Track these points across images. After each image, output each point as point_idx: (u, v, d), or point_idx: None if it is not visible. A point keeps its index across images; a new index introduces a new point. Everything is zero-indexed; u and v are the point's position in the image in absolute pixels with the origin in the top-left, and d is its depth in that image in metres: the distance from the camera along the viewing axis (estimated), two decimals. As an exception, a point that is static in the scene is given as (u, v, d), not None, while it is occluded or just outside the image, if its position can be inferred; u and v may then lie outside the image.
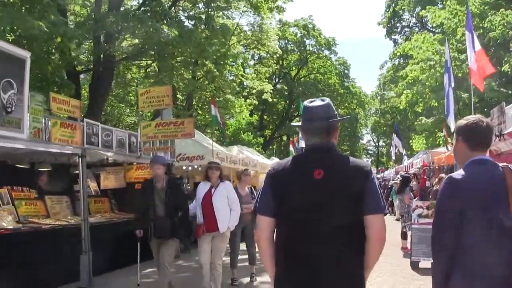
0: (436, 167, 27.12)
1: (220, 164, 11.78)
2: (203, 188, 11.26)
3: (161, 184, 11.02)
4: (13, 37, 18.31)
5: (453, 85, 17.93)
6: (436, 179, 22.14)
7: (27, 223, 13.68)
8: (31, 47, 17.49)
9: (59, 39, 18.00)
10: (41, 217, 14.63)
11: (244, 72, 52.30)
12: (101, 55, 26.53)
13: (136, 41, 27.99)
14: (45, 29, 17.23)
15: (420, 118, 39.04)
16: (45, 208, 15.25)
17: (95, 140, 14.75)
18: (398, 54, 56.43)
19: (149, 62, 33.65)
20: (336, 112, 4.61)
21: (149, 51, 27.83)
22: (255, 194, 13.93)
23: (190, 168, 24.04)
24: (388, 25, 65.06)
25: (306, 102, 4.61)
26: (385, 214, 4.31)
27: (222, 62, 31.54)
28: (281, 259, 4.37)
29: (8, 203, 13.92)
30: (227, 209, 11.17)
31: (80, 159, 13.78)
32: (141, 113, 22.31)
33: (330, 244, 4.13)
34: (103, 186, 18.62)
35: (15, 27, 17.64)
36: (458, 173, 4.37)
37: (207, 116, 41.93)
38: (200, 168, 24.08)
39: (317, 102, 4.54)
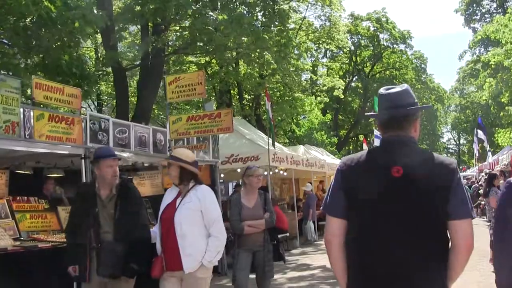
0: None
1: (191, 157, 7.35)
2: (168, 197, 7.40)
3: (107, 191, 7.56)
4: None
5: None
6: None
7: (28, 240, 11.07)
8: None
9: (76, 24, 15.38)
10: (52, 232, 12.01)
11: (315, 69, 50.30)
12: (149, 49, 24.18)
13: (184, 32, 25.59)
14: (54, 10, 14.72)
15: (507, 108, 35.52)
16: (57, 221, 12.49)
17: (103, 137, 11.89)
18: (479, 39, 53.29)
19: (207, 59, 31.31)
20: (416, 100, 4.16)
21: (198, 43, 25.23)
22: (268, 204, 9.94)
23: (238, 170, 21.50)
24: (467, 13, 61.78)
25: (382, 89, 4.20)
26: (473, 219, 3.91)
27: (283, 55, 28.69)
28: (354, 268, 4.01)
29: (7, 216, 11.23)
30: (201, 233, 7.03)
31: (83, 161, 11.02)
32: (170, 106, 19.65)
33: (411, 252, 3.76)
34: (136, 193, 15.71)
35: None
36: None
37: (278, 118, 39.67)
38: (261, 170, 21.70)
39: (394, 89, 4.12)
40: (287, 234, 22.22)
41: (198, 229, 7.00)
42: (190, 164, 7.16)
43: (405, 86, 4.16)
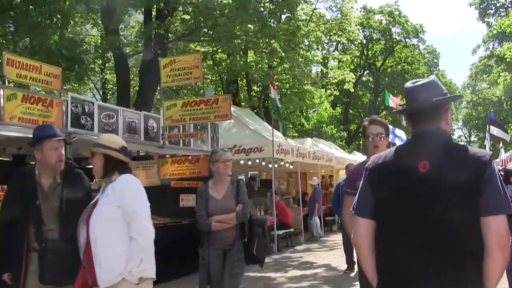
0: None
1: (119, 143, 5.74)
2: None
3: (50, 179, 6.20)
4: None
5: None
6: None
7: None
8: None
9: (67, 1, 14.40)
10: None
11: (326, 62, 49.67)
12: (152, 35, 23.32)
13: (188, 16, 24.65)
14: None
15: (522, 102, 34.46)
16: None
17: (87, 122, 10.86)
18: (494, 34, 52.33)
19: (214, 48, 30.39)
20: (445, 91, 3.91)
21: (203, 29, 24.28)
22: (242, 194, 8.19)
23: (249, 162, 20.80)
24: (481, 6, 60.54)
25: (408, 83, 3.96)
26: (510, 216, 3.53)
27: (292, 44, 27.77)
28: (383, 270, 3.81)
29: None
30: (121, 235, 5.30)
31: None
32: (165, 90, 18.64)
33: (441, 252, 3.52)
34: (130, 184, 14.71)
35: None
36: None
37: (287, 110, 38.83)
38: (263, 163, 20.81)
39: (420, 81, 3.91)
40: (291, 230, 21.47)
41: (117, 230, 5.28)
42: (117, 151, 5.61)
43: (432, 77, 4.00)
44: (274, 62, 31.71)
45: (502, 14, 57.15)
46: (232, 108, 22.06)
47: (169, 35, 25.02)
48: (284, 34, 26.39)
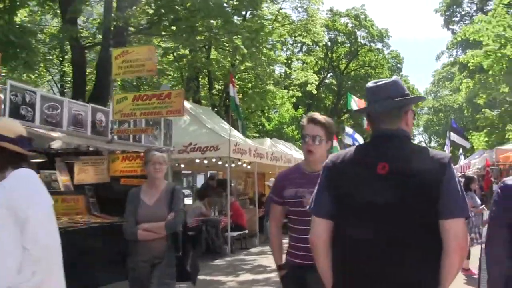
0: (505, 167, 22.95)
1: (14, 131, 4.44)
2: None
3: None
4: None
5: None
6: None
7: None
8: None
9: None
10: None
11: (290, 63, 50.04)
12: (111, 27, 22.66)
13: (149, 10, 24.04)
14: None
15: (484, 110, 34.33)
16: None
17: (28, 113, 10.19)
18: (457, 41, 52.57)
19: (176, 44, 29.72)
20: (407, 92, 3.92)
21: (163, 21, 23.70)
22: (176, 201, 7.18)
23: (205, 161, 20.44)
24: (446, 14, 61.03)
25: (370, 83, 3.95)
26: (467, 218, 3.69)
27: (256, 43, 27.26)
28: (339, 271, 3.81)
29: None
30: (12, 243, 4.17)
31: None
32: (116, 84, 17.96)
33: (399, 256, 3.55)
34: (77, 180, 14.03)
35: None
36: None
37: (248, 110, 38.52)
38: (220, 162, 20.29)
39: (382, 81, 3.92)
40: (246, 231, 20.97)
41: (8, 237, 4.19)
42: (12, 141, 4.42)
43: (394, 77, 4.03)
44: (237, 60, 31.18)
45: (467, 22, 57.61)
46: (190, 106, 21.71)
47: (130, 28, 24.32)
48: (248, 32, 25.88)
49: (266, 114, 48.92)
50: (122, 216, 9.46)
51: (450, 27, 62.02)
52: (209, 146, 18.58)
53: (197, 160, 20.10)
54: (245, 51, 26.22)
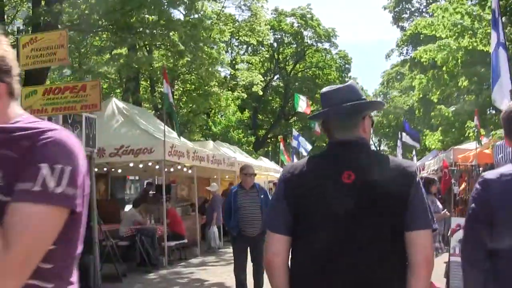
0: (466, 167, 21.63)
1: None
2: None
3: None
4: None
5: (504, 41, 12.15)
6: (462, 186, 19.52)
7: None
8: None
9: None
10: None
11: (234, 64, 49.24)
12: (41, 21, 20.90)
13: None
14: None
15: (438, 107, 33.02)
16: None
17: None
18: (407, 37, 52.13)
19: (112, 43, 28.01)
20: (364, 97, 3.73)
21: (93, 15, 22.06)
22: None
23: (141, 165, 19.03)
24: (395, 10, 60.42)
25: (324, 89, 3.81)
26: (434, 230, 3.53)
27: (195, 39, 25.83)
28: None
29: None
30: None
31: None
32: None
33: (364, 271, 3.35)
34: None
35: None
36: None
37: (190, 113, 37.42)
38: (157, 166, 18.68)
39: (337, 86, 3.76)
40: (185, 241, 19.21)
41: None
42: None
43: (350, 82, 3.84)
44: (175, 57, 29.69)
45: (417, 18, 56.93)
46: (124, 106, 20.04)
47: (59, 24, 22.57)
48: (185, 27, 24.43)
49: (212, 117, 47.87)
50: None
51: (400, 24, 61.77)
52: (142, 148, 16.91)
53: (132, 164, 18.47)
54: (182, 47, 24.78)
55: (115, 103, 19.61)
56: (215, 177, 25.76)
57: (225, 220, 12.09)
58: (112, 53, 28.68)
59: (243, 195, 11.27)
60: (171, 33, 23.96)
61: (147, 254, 16.53)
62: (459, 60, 27.62)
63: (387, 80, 77.01)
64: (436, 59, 29.69)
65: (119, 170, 21.77)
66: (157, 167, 19.19)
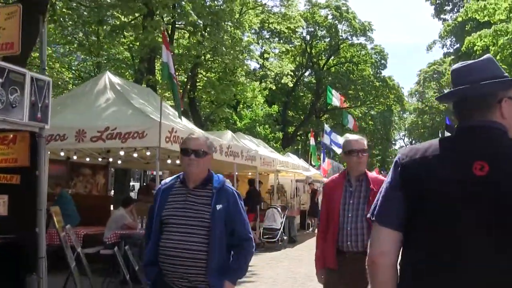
0: None
1: None
2: None
3: None
4: None
5: None
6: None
7: None
8: None
9: None
10: None
11: (263, 56, 46.77)
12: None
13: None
14: None
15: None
16: None
17: None
18: (452, 27, 48.71)
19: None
20: (506, 74, 3.18)
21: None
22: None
23: (135, 154, 15.55)
24: (437, 2, 57.30)
25: (455, 65, 3.29)
26: None
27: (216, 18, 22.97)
28: None
29: None
30: None
31: None
32: None
33: (499, 282, 2.83)
34: None
35: None
36: None
37: (213, 104, 36.38)
38: (149, 153, 15.36)
39: (473, 61, 3.25)
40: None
41: None
42: None
43: (488, 55, 3.27)
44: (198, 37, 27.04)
45: (461, 9, 54.43)
46: (119, 81, 16.45)
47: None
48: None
49: (239, 111, 46.27)
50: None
51: (442, 16, 59.22)
52: (132, 131, 13.10)
53: (122, 153, 14.83)
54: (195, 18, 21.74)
55: (109, 78, 16.08)
56: (230, 172, 22.27)
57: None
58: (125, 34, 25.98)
59: (178, 198, 5.30)
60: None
61: (128, 268, 12.49)
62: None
63: (423, 78, 75.88)
64: (490, 48, 26.38)
65: (119, 161, 18.34)
66: (148, 153, 15.46)
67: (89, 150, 15.63)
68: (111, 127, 13.18)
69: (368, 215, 3.29)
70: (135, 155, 15.24)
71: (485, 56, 3.24)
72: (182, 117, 16.35)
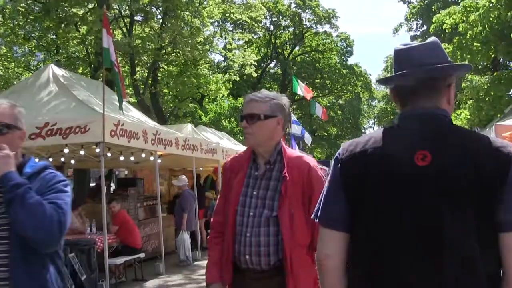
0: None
1: None
2: None
3: None
4: None
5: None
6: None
7: None
8: None
9: None
10: None
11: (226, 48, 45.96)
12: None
13: None
14: None
15: (470, 77, 27.96)
16: None
17: None
18: (417, 9, 48.25)
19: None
20: (449, 59, 3.02)
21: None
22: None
23: (82, 151, 14.07)
24: (402, -15, 57.46)
25: (398, 45, 3.08)
26: None
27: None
28: None
29: None
30: None
31: None
32: None
33: (448, 275, 2.66)
34: None
35: None
36: None
37: (176, 98, 35.82)
38: (98, 150, 13.40)
39: (416, 43, 3.07)
40: (140, 255, 14.01)
41: None
42: None
43: (433, 38, 3.09)
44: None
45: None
46: (64, 73, 15.24)
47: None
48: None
49: (204, 106, 45.63)
50: None
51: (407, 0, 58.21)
52: (73, 126, 11.94)
53: (66, 150, 13.53)
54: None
55: (52, 70, 14.85)
56: (203, 168, 20.93)
57: None
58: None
59: None
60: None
61: (74, 278, 11.20)
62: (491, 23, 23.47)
63: (391, 65, 74.06)
64: (459, 26, 25.56)
65: (72, 161, 17.07)
66: (97, 150, 14.10)
67: (29, 149, 14.34)
68: (51, 123, 12.12)
69: (312, 216, 3.06)
70: (82, 152, 13.89)
71: (431, 39, 3.05)
72: (136, 110, 15.19)
